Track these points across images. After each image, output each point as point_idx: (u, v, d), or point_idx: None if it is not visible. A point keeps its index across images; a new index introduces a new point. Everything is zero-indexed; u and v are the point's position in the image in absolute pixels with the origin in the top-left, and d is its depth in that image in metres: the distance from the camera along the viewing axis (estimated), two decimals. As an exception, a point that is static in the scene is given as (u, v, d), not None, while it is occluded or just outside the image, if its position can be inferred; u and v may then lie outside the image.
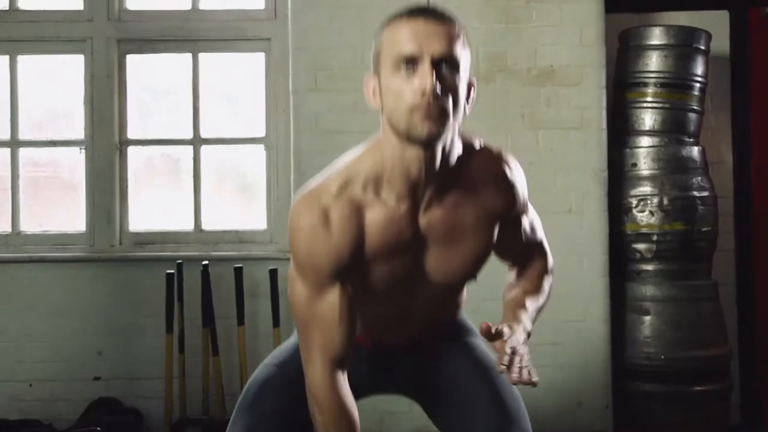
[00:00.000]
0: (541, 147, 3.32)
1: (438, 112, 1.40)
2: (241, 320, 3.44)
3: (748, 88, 3.90)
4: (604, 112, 3.37)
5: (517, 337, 1.52)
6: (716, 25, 3.88)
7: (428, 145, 1.45)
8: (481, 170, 1.58)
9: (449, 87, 1.42)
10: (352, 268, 1.55)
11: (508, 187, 1.60)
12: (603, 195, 3.34)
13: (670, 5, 3.92)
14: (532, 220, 1.72)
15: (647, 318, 3.38)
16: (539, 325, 3.30)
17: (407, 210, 1.53)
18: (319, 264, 1.52)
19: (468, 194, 1.56)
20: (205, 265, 3.42)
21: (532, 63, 3.33)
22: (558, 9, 3.33)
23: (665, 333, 3.36)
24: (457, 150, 1.54)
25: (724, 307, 3.57)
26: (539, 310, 1.71)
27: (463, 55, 1.45)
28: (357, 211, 1.52)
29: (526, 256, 1.75)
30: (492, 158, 1.60)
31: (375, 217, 1.52)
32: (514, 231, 1.67)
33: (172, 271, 3.41)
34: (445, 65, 1.41)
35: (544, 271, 1.76)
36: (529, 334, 1.60)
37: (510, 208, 1.61)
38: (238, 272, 3.43)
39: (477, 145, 1.60)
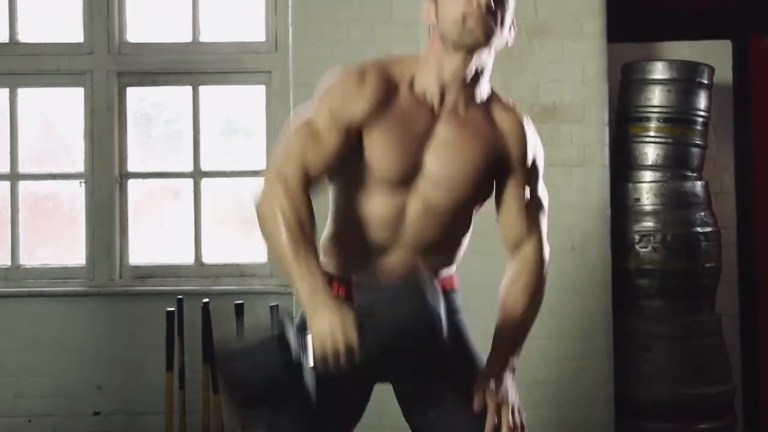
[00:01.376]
0: (544, 184, 3.29)
1: (487, 23, 1.61)
2: (241, 357, 3.41)
3: (751, 118, 3.89)
4: (606, 149, 3.35)
5: (502, 389, 1.73)
6: (718, 54, 3.87)
7: (472, 50, 1.64)
8: (503, 113, 1.75)
9: (498, 8, 1.63)
10: (364, 131, 1.67)
11: (519, 138, 1.75)
12: (606, 232, 3.32)
13: (672, 35, 3.91)
14: (535, 191, 1.80)
15: (651, 355, 3.35)
16: (542, 363, 3.33)
17: (430, 107, 1.69)
18: (338, 104, 1.67)
19: (484, 120, 1.72)
20: (206, 303, 3.40)
21: (535, 99, 3.31)
22: (560, 46, 3.31)
23: (669, 370, 3.34)
24: (486, 88, 1.74)
25: (728, 338, 3.55)
26: (527, 331, 1.85)
27: None
28: (389, 86, 1.69)
29: (521, 234, 1.79)
30: (516, 112, 1.78)
31: (401, 100, 1.69)
32: (511, 188, 1.77)
33: (173, 308, 3.38)
34: None
35: (538, 265, 1.81)
36: (514, 370, 1.79)
37: (512, 156, 1.74)
38: (239, 309, 3.41)
39: (508, 100, 1.80)
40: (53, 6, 3.76)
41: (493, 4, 1.62)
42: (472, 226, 1.83)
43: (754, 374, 3.75)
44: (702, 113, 3.51)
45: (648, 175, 3.49)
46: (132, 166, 3.74)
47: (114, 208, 3.68)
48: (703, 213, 3.45)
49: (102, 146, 3.67)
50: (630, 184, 3.47)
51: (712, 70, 3.54)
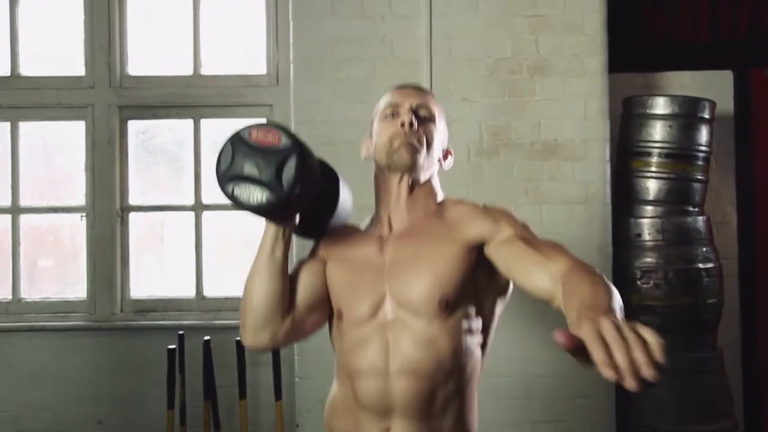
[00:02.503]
0: (545, 221, 3.29)
1: (411, 142, 1.70)
2: (242, 394, 3.41)
3: (752, 149, 3.90)
4: (608, 187, 3.34)
5: (604, 319, 1.10)
6: (720, 85, 3.88)
7: (405, 170, 1.72)
8: (453, 208, 1.76)
9: (424, 129, 1.74)
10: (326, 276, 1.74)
11: (475, 215, 1.71)
12: (608, 270, 3.32)
13: (673, 66, 3.92)
14: (534, 236, 1.65)
15: (652, 391, 3.35)
16: (543, 402, 3.33)
17: (381, 234, 1.75)
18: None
19: (435, 224, 1.73)
20: (207, 340, 3.39)
21: (536, 137, 3.31)
22: (562, 83, 3.30)
23: (671, 406, 3.33)
24: (436, 197, 1.78)
25: (729, 369, 3.54)
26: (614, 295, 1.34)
27: (439, 117, 1.78)
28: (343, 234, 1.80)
29: (547, 268, 1.53)
30: (467, 202, 1.78)
31: (358, 240, 1.77)
32: (505, 252, 1.63)
33: (174, 346, 3.38)
34: (421, 114, 1.75)
35: (579, 263, 1.51)
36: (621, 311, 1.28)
37: (480, 233, 1.67)
38: (240, 345, 3.40)
39: (460, 200, 1.80)
40: (54, 39, 3.74)
41: (416, 123, 1.72)
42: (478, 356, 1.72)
43: (756, 405, 3.76)
44: (703, 148, 3.51)
45: (649, 210, 3.49)
46: (133, 199, 3.73)
47: (115, 242, 3.67)
48: (704, 248, 3.45)
49: (103, 180, 3.67)
50: (632, 219, 3.47)
51: (713, 104, 3.54)
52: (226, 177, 1.55)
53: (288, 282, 1.69)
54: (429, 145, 1.73)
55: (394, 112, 1.75)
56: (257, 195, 1.54)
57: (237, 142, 1.56)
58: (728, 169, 3.90)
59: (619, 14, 3.62)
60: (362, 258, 1.72)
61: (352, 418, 1.71)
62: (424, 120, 1.74)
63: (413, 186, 1.74)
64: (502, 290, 1.75)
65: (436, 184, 1.80)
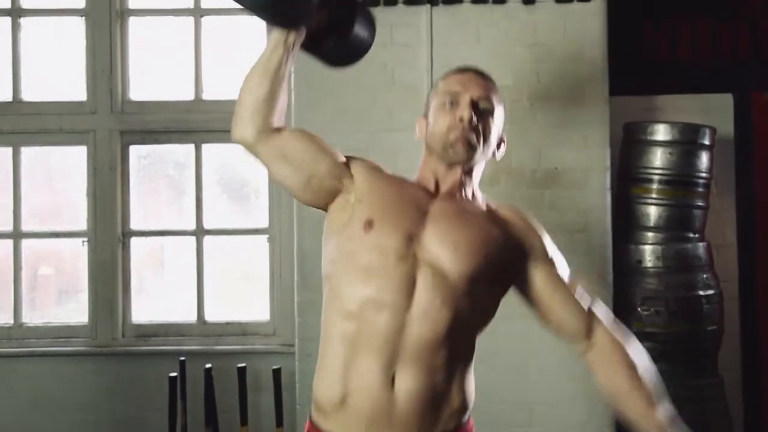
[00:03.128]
0: (546, 250, 3.29)
1: (469, 138, 1.71)
2: (244, 420, 3.42)
3: (752, 171, 3.90)
4: (608, 214, 3.35)
5: None
6: (720, 108, 3.89)
7: (456, 163, 1.74)
8: (501, 209, 1.81)
9: (482, 124, 1.73)
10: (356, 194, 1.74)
11: (530, 228, 1.79)
12: (608, 298, 3.32)
13: (674, 89, 3.92)
14: (566, 272, 1.80)
15: (653, 418, 3.35)
16: (543, 429, 3.32)
17: (425, 190, 1.77)
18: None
19: (481, 212, 1.77)
20: (208, 368, 3.40)
21: (537, 165, 3.31)
22: (563, 111, 3.31)
23: (671, 434, 3.34)
24: (479, 194, 1.82)
25: (730, 392, 3.55)
26: (651, 393, 1.77)
27: (498, 107, 1.77)
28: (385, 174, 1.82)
29: (580, 322, 1.75)
30: (516, 208, 1.84)
31: (403, 181, 1.81)
32: (544, 281, 1.75)
33: (175, 373, 3.38)
34: (481, 106, 1.73)
35: (617, 346, 1.77)
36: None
37: (529, 246, 1.76)
38: (242, 372, 3.41)
39: (502, 204, 1.86)
40: (56, 65, 3.76)
41: (475, 118, 1.71)
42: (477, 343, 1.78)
43: (758, 429, 3.76)
44: (703, 175, 3.51)
45: (650, 237, 3.49)
46: (134, 224, 3.74)
47: (116, 267, 3.68)
48: (705, 275, 3.45)
49: (104, 205, 3.68)
50: (632, 245, 3.47)
51: (713, 131, 3.54)
52: None
53: (278, 93, 1.73)
54: (486, 140, 1.75)
55: (453, 100, 1.73)
56: None
57: None
58: (728, 191, 3.91)
59: (620, 37, 3.63)
60: (407, 193, 1.74)
61: (347, 373, 1.63)
62: (483, 113, 1.73)
63: (463, 176, 1.78)
64: (505, 292, 1.80)
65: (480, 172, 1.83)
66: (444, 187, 1.78)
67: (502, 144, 1.84)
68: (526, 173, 3.32)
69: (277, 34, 1.70)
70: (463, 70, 1.81)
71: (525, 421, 3.30)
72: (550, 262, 1.77)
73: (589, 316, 1.76)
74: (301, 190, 1.75)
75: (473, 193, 1.83)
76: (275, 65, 1.70)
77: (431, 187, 1.79)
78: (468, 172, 1.79)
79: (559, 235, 3.34)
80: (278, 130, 1.75)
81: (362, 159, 1.85)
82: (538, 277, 1.75)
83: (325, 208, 1.79)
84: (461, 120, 1.70)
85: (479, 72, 1.81)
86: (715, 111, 3.87)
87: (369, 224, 1.67)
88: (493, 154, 1.82)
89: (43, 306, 3.78)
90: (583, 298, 1.78)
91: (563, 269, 1.81)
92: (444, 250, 1.66)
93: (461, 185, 1.79)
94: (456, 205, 1.76)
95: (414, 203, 1.72)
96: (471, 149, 1.73)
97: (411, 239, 1.66)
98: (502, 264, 1.72)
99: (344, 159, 1.82)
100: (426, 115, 1.82)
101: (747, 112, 3.91)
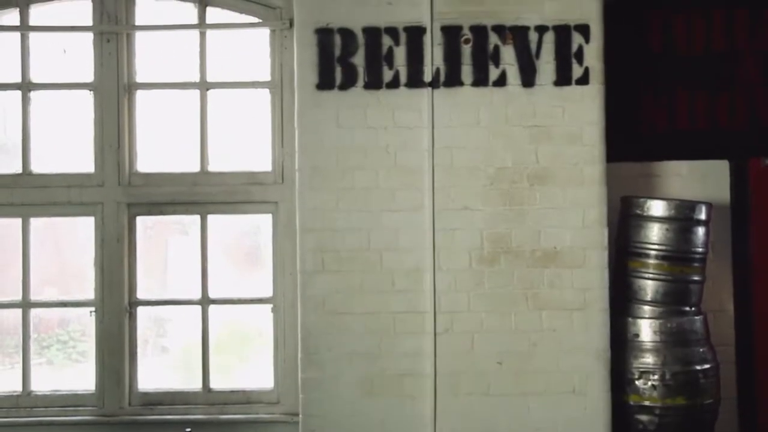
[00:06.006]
0: (545, 327, 3.37)
1: None
2: (248, 492, 3.49)
3: (749, 236, 3.94)
4: (606, 293, 3.42)
5: None
6: (717, 174, 3.94)
7: None
8: None
9: None
10: None
11: None
12: (606, 375, 3.39)
13: (671, 155, 3.98)
14: None
15: (650, 489, 3.41)
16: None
17: None
18: None
19: None
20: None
21: (536, 244, 3.38)
22: (561, 192, 3.38)
23: (669, 507, 3.40)
24: None
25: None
26: None
27: None
28: None
29: None
30: None
31: None
32: None
33: (181, 446, 3.46)
34: None
35: None
36: None
37: None
38: (246, 443, 3.48)
39: None
40: (65, 137, 3.83)
41: None
42: None
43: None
44: (699, 250, 3.57)
45: (647, 311, 3.55)
46: (141, 293, 3.81)
47: (123, 336, 3.75)
48: (701, 349, 3.51)
49: (112, 275, 3.75)
50: (629, 319, 3.53)
51: (709, 206, 3.61)
52: None
53: None
54: None
55: None
56: None
57: None
58: (725, 256, 3.96)
59: (619, 109, 3.69)
60: None
61: None
62: None
63: None
64: None
65: None
66: None
67: None
68: (526, 252, 3.39)
69: None
70: None
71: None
72: None
73: None
74: None
75: None
76: None
77: None
78: None
79: (557, 313, 3.45)
80: None
81: None
82: None
83: None
84: None
85: None
86: (712, 177, 3.94)
87: None
88: None
89: (51, 373, 3.84)
90: None
91: None
92: None
93: None
94: None
95: None
96: None
97: None
98: None
99: None
100: None
101: (743, 177, 3.96)
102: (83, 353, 3.84)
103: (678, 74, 3.97)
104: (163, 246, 3.91)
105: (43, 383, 3.81)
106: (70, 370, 3.89)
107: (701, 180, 3.93)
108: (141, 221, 3.82)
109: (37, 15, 3.82)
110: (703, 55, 3.99)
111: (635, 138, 3.95)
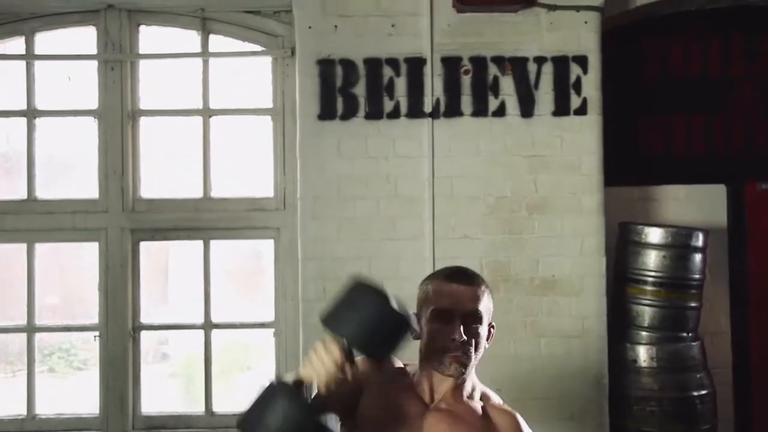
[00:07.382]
0: (543, 355, 3.41)
1: (463, 360, 1.80)
2: None
3: (745, 260, 3.99)
4: (604, 319, 3.46)
5: None
6: (714, 198, 3.99)
7: (454, 377, 1.82)
8: (495, 411, 1.87)
9: (473, 335, 1.80)
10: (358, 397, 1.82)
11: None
12: (604, 402, 3.43)
13: (668, 180, 4.03)
14: None
15: None
16: None
17: (422, 396, 1.86)
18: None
19: (474, 414, 1.84)
20: (217, 467, 3.52)
21: (534, 273, 3.43)
22: (560, 221, 3.43)
23: None
24: (478, 387, 1.90)
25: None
26: None
27: (486, 308, 1.84)
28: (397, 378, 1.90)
29: None
30: (510, 411, 1.88)
31: (403, 386, 1.88)
32: None
33: (185, 473, 3.50)
34: (472, 319, 1.80)
35: None
36: None
37: None
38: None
39: (499, 400, 1.91)
40: (69, 163, 3.88)
41: (467, 336, 1.78)
42: None
43: None
44: (696, 277, 3.62)
45: (644, 336, 3.60)
46: (144, 318, 3.85)
47: (127, 361, 3.79)
48: (699, 375, 3.56)
49: (116, 300, 3.79)
50: (627, 344, 3.58)
51: (706, 233, 3.65)
52: None
53: None
54: (477, 349, 1.81)
55: (445, 317, 1.78)
56: None
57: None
58: (722, 280, 4.01)
59: (617, 133, 3.75)
60: (399, 412, 1.83)
61: None
62: (475, 329, 1.80)
63: (457, 384, 1.85)
64: None
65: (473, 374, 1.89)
66: (438, 395, 1.85)
67: (491, 332, 1.88)
68: (525, 281, 3.43)
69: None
70: (451, 278, 1.85)
71: None
72: None
73: None
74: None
75: (471, 392, 1.89)
76: None
77: (426, 396, 1.86)
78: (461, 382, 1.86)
79: (556, 341, 3.50)
80: None
81: (368, 373, 1.87)
82: None
83: None
84: (454, 340, 1.77)
85: (467, 279, 1.85)
86: (709, 201, 3.99)
87: None
88: (483, 348, 1.86)
89: (56, 396, 3.89)
90: None
91: None
92: None
93: (455, 391, 1.86)
94: (449, 416, 1.82)
95: (407, 419, 1.82)
96: (464, 366, 1.80)
97: None
98: None
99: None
100: (418, 316, 1.86)
101: (740, 202, 4.01)
102: (87, 377, 3.87)
103: (675, 100, 4.03)
104: (167, 271, 3.94)
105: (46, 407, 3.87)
106: (74, 390, 3.93)
107: (698, 204, 3.98)
108: (144, 246, 3.87)
109: (42, 42, 3.87)
110: (700, 81, 4.04)
111: (633, 163, 4.00)
